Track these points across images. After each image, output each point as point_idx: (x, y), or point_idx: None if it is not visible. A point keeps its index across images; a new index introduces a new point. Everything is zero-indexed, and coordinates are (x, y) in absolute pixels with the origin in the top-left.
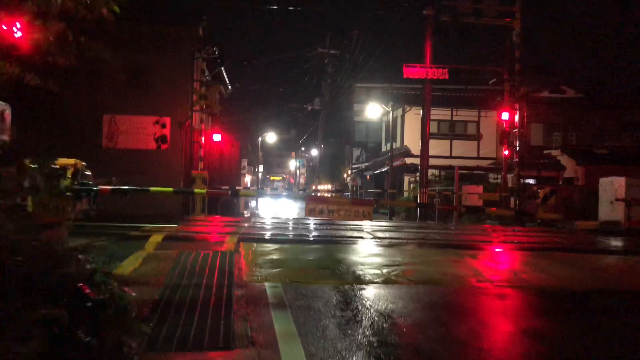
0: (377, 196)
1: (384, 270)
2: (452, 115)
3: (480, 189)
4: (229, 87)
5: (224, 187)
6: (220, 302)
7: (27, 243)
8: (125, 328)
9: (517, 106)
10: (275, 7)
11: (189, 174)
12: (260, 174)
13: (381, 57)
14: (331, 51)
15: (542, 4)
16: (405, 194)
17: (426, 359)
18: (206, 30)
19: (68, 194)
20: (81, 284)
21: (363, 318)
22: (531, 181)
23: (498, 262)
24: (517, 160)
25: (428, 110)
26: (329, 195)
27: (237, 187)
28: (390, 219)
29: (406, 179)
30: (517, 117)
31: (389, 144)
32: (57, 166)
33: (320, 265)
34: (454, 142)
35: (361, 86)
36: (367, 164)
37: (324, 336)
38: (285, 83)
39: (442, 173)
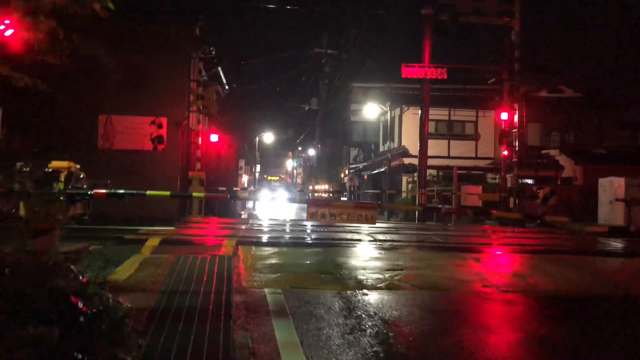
0: (376, 196)
1: (387, 275)
2: (450, 115)
3: (479, 189)
4: (226, 87)
5: (221, 188)
6: (219, 310)
7: (13, 256)
8: (120, 342)
9: (516, 106)
10: (272, 5)
11: (186, 175)
12: (257, 174)
13: (379, 56)
14: (328, 51)
15: (541, 4)
16: (404, 195)
17: None
18: (203, 29)
19: (61, 198)
20: (73, 298)
21: (367, 326)
22: (529, 181)
23: (502, 265)
24: (516, 160)
25: (427, 110)
26: (327, 195)
27: (234, 189)
28: (389, 219)
29: (404, 179)
30: (516, 117)
31: (386, 144)
32: (50, 169)
33: (321, 270)
34: (452, 142)
35: (358, 86)
36: (364, 164)
37: (327, 346)
38: (282, 83)
39: (440, 173)
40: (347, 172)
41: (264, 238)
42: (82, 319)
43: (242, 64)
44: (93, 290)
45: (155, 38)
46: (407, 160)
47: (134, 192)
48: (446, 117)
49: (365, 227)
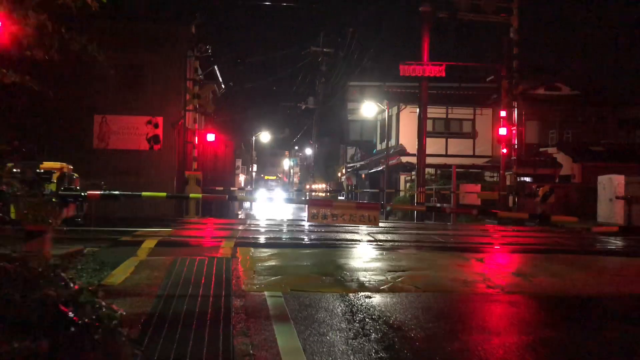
0: (374, 196)
1: (389, 277)
2: (447, 113)
3: (478, 187)
4: (223, 86)
5: (218, 188)
6: (218, 315)
7: None
8: (114, 352)
9: (515, 103)
10: (268, 3)
11: (182, 175)
12: (254, 174)
13: (376, 55)
14: (325, 50)
15: (539, 1)
16: (402, 193)
17: None
18: (199, 28)
19: (53, 200)
20: (62, 307)
21: (372, 331)
22: (527, 179)
23: (506, 265)
24: (515, 158)
25: (425, 108)
26: (324, 194)
27: (232, 188)
28: (387, 218)
29: (402, 177)
30: (515, 115)
31: (384, 143)
32: (42, 170)
33: (322, 272)
34: (450, 140)
35: (355, 85)
36: (362, 162)
37: (331, 353)
38: (278, 82)
39: (438, 172)
40: (344, 171)
41: (263, 239)
42: (72, 329)
43: (239, 62)
44: (85, 298)
45: (150, 37)
46: (404, 159)
47: (129, 193)
48: (443, 115)
49: (364, 227)
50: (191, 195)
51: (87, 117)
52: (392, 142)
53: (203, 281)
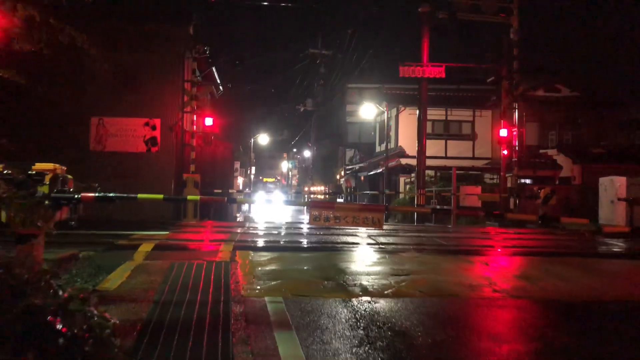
0: (374, 198)
1: (392, 281)
2: (446, 115)
3: (478, 189)
4: (221, 87)
5: (216, 190)
6: (216, 322)
7: None
8: None
9: (515, 105)
10: (266, 3)
11: (180, 177)
12: (252, 176)
13: (374, 57)
14: (323, 52)
15: (537, 1)
16: (401, 196)
17: None
18: (196, 29)
19: (46, 202)
20: (50, 317)
21: (377, 338)
22: (527, 181)
23: (511, 268)
24: (515, 159)
25: (425, 109)
26: (323, 197)
27: (230, 190)
28: (387, 220)
29: (402, 179)
30: (515, 116)
31: (383, 145)
32: (34, 172)
33: (323, 276)
34: (449, 142)
35: (354, 87)
36: (361, 165)
37: None
38: (277, 84)
39: (438, 174)
40: (343, 173)
41: (262, 242)
42: (61, 340)
43: (237, 64)
44: (75, 307)
45: (148, 37)
46: (404, 161)
47: (125, 195)
48: (443, 117)
49: (364, 230)
50: (189, 197)
51: (84, 119)
52: (392, 144)
53: (201, 286)
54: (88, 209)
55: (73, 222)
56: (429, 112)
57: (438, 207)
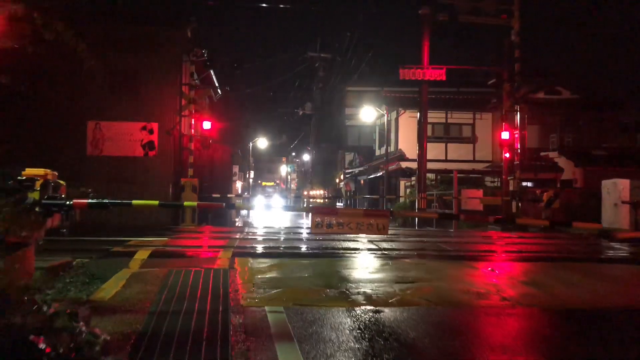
0: (374, 202)
1: (397, 289)
2: (446, 117)
3: (480, 193)
4: (219, 91)
5: (215, 195)
6: (215, 334)
7: None
8: None
9: (517, 107)
10: (265, 5)
11: (178, 182)
12: (251, 180)
13: (374, 60)
14: (322, 55)
15: (538, 4)
16: (402, 199)
17: None
18: (194, 32)
19: (37, 209)
20: (33, 337)
21: (383, 351)
22: (529, 184)
23: (519, 274)
24: (517, 162)
25: (425, 112)
26: (322, 200)
27: (229, 195)
28: None
29: (402, 183)
30: (517, 118)
31: (383, 148)
32: (24, 177)
33: (325, 284)
34: (449, 145)
35: (353, 90)
36: (360, 168)
37: None
38: (275, 87)
39: (438, 177)
40: (342, 177)
41: (261, 248)
42: None
43: (235, 67)
44: (61, 324)
45: (145, 40)
46: (404, 164)
47: (119, 202)
48: (443, 120)
49: (365, 234)
50: (185, 203)
51: (80, 123)
52: (391, 148)
53: (199, 295)
54: (84, 214)
55: (65, 230)
56: (429, 114)
57: (447, 211)
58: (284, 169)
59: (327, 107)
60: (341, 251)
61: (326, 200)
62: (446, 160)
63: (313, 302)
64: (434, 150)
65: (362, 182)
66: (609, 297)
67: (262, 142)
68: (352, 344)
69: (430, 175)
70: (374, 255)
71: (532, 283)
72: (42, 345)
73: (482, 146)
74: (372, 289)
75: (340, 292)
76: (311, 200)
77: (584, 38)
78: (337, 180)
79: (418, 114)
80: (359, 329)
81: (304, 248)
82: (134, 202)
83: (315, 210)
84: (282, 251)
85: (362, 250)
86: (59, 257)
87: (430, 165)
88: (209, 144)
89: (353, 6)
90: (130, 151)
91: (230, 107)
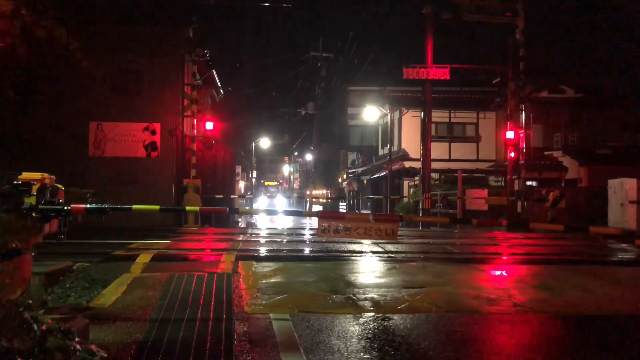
0: (377, 202)
1: (406, 294)
2: (450, 117)
3: (485, 193)
4: (222, 91)
5: (218, 195)
6: (218, 343)
7: None
8: None
9: (522, 106)
10: (267, 4)
11: (181, 182)
12: (254, 180)
13: (376, 59)
14: (324, 54)
15: (542, 1)
16: (405, 200)
17: None
18: (197, 32)
19: (33, 215)
20: (20, 359)
21: None
22: (533, 183)
23: (528, 278)
24: (523, 162)
25: (429, 111)
26: (325, 200)
27: (232, 196)
28: None
29: (405, 183)
30: (522, 118)
31: (385, 148)
32: (20, 181)
33: (331, 289)
34: (453, 144)
35: (356, 89)
36: (363, 168)
37: None
38: (278, 87)
39: (442, 177)
40: (345, 176)
41: (265, 251)
42: None
43: (238, 67)
44: (54, 343)
45: (147, 41)
46: (407, 164)
47: (119, 206)
48: (446, 119)
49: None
50: (187, 208)
51: (82, 123)
52: (395, 147)
53: (202, 301)
54: (86, 217)
55: (62, 236)
56: (432, 114)
57: (455, 213)
58: (286, 169)
59: (330, 107)
60: (346, 254)
61: (329, 200)
62: (450, 160)
63: (319, 309)
64: (438, 150)
65: (365, 182)
66: (626, 303)
67: (264, 142)
68: (362, 354)
69: (433, 175)
70: (379, 258)
71: (544, 287)
72: None
73: (486, 145)
74: (379, 295)
75: (346, 297)
76: (314, 200)
77: (588, 36)
78: (340, 180)
79: (421, 113)
80: (368, 337)
81: (308, 251)
82: (134, 207)
83: (322, 215)
84: (286, 254)
85: (367, 253)
86: (59, 262)
87: (433, 165)
88: (212, 144)
89: (356, 5)
90: (133, 152)
91: (233, 107)
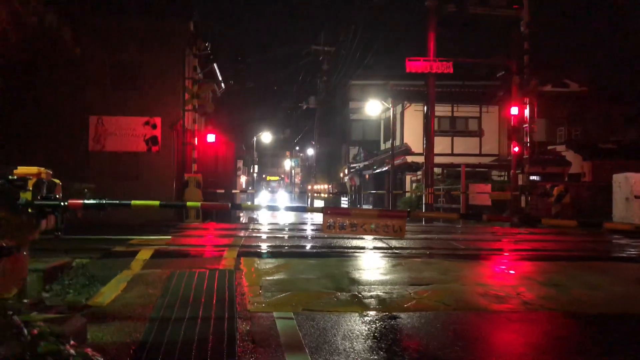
0: (379, 197)
1: (412, 292)
2: (452, 111)
3: (488, 187)
4: (223, 85)
5: (219, 190)
6: (220, 343)
7: None
8: None
9: (526, 100)
10: None
11: (182, 177)
12: (255, 175)
13: (378, 53)
14: (326, 48)
15: None
16: (407, 194)
17: None
18: (197, 25)
19: (29, 210)
20: None
21: None
22: (536, 178)
23: (535, 275)
24: (527, 156)
25: (432, 106)
26: (327, 195)
27: (233, 191)
28: None
29: (408, 178)
30: (526, 112)
31: (388, 142)
32: (15, 176)
33: (336, 286)
34: (455, 139)
35: (358, 83)
36: (365, 163)
37: None
38: (279, 81)
39: (445, 171)
40: (346, 171)
41: (268, 247)
42: None
43: (239, 60)
44: (46, 348)
45: (147, 34)
46: (410, 159)
47: (117, 202)
48: (449, 114)
49: None
50: (188, 204)
51: (82, 118)
52: (397, 142)
53: (203, 299)
54: (85, 212)
55: (59, 232)
56: (435, 108)
57: (466, 212)
58: (288, 164)
59: (332, 101)
60: (350, 250)
61: (330, 195)
62: (452, 154)
63: (324, 307)
64: (440, 144)
65: (367, 176)
66: (637, 300)
67: (266, 137)
68: (369, 354)
69: (436, 170)
70: (383, 254)
71: (552, 284)
72: None
73: (489, 140)
74: (385, 292)
75: (352, 295)
76: (315, 195)
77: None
78: (342, 175)
79: (424, 107)
80: (375, 337)
81: (310, 247)
82: (133, 202)
83: (328, 211)
84: (289, 250)
85: (371, 248)
86: (58, 258)
87: (436, 160)
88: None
89: None
90: (133, 146)
91: (234, 101)
